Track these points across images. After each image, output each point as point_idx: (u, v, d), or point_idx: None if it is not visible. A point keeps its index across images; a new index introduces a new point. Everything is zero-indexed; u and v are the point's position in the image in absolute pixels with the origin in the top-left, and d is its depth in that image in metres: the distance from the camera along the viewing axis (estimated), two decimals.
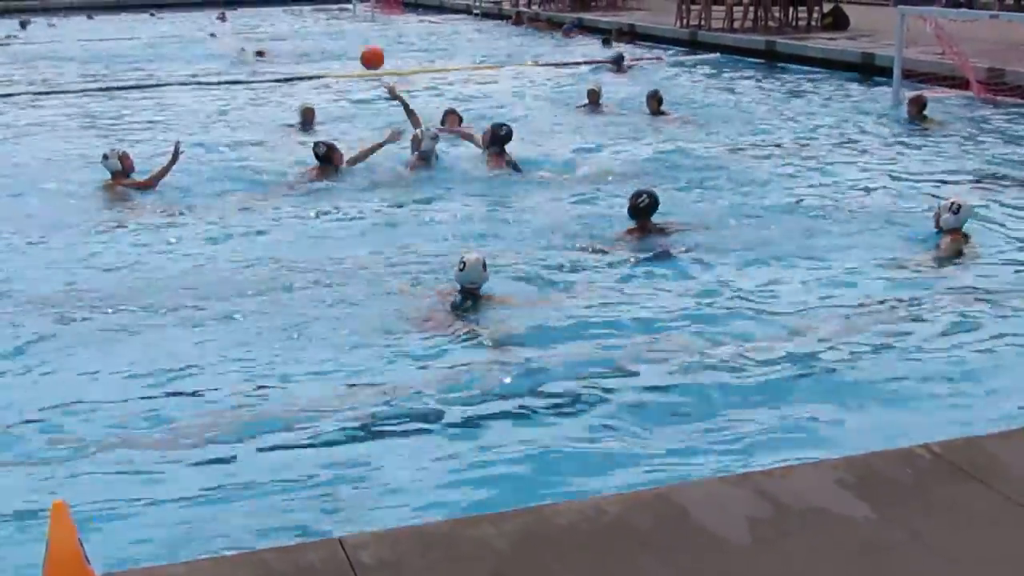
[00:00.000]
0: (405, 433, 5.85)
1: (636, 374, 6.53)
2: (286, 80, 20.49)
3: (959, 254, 8.69)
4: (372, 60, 11.15)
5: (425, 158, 11.86)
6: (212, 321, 7.56)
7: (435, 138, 12.02)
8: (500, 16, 34.08)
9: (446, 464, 5.45)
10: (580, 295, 7.99)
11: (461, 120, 14.13)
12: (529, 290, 8.12)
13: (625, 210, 9.34)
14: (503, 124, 12.23)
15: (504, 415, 6.03)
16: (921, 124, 14.29)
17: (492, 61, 23.00)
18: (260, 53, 24.33)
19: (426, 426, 5.92)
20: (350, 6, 37.98)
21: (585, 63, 22.15)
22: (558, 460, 5.44)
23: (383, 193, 11.12)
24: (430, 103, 16.22)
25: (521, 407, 6.12)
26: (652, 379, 6.45)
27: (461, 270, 7.52)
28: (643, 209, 9.26)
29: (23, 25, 33.40)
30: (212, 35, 29.61)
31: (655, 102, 15.77)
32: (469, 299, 7.56)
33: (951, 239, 8.82)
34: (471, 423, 5.93)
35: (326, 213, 10.50)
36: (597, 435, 5.73)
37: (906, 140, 13.80)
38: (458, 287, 7.61)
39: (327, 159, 11.56)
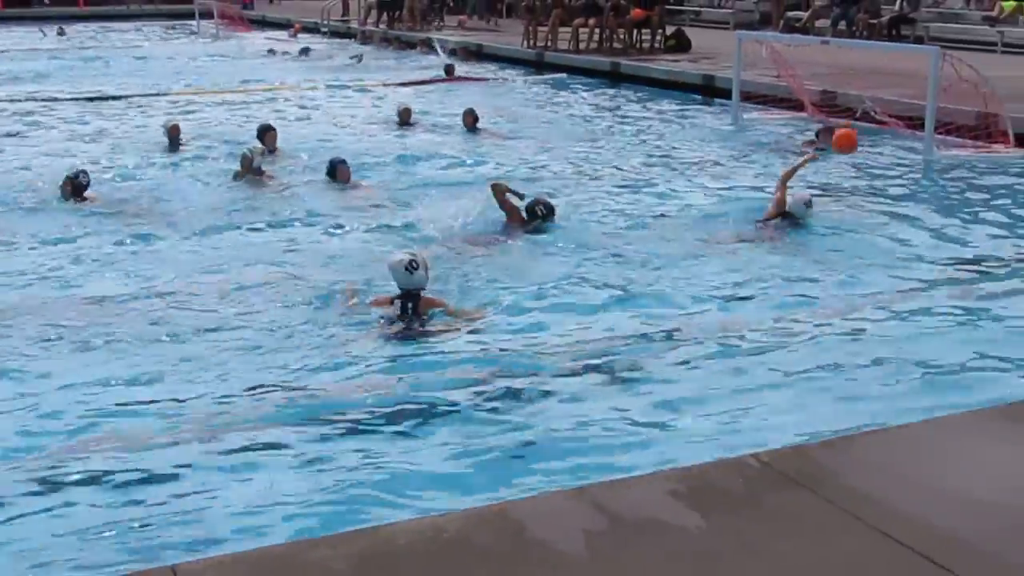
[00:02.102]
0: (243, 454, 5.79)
1: (477, 387, 6.58)
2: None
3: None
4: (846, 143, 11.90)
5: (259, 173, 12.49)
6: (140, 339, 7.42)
7: (262, 154, 12.90)
8: (348, 35, 33.97)
9: (289, 485, 5.41)
10: None
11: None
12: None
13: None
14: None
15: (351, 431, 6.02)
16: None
17: (324, 81, 22.93)
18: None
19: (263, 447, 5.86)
20: (194, 23, 37.37)
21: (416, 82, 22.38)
22: (398, 478, 5.44)
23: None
24: (248, 121, 16.67)
25: (364, 422, 6.12)
26: (491, 395, 6.50)
27: (412, 273, 7.47)
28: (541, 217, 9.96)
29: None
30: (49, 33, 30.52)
31: (470, 118, 16.09)
32: (410, 302, 7.52)
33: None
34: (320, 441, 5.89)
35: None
36: (439, 451, 5.75)
37: (742, 156, 14.28)
38: (399, 292, 7.57)
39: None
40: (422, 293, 7.64)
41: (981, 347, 7.23)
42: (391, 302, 7.62)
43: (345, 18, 36.93)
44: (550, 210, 10.20)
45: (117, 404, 6.37)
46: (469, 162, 13.98)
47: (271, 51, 29.40)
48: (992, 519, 4.02)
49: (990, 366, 6.95)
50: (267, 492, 5.32)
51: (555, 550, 3.85)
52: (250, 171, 12.38)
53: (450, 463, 5.66)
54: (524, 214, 10.11)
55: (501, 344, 7.35)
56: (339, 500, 5.22)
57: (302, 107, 19.23)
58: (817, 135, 14.53)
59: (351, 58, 27.04)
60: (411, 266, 7.51)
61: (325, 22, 35.22)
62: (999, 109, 14.29)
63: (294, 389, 6.59)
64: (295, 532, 4.82)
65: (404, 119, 16.69)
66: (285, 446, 5.82)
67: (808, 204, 10.23)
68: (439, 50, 27.56)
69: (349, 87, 21.83)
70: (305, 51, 28.47)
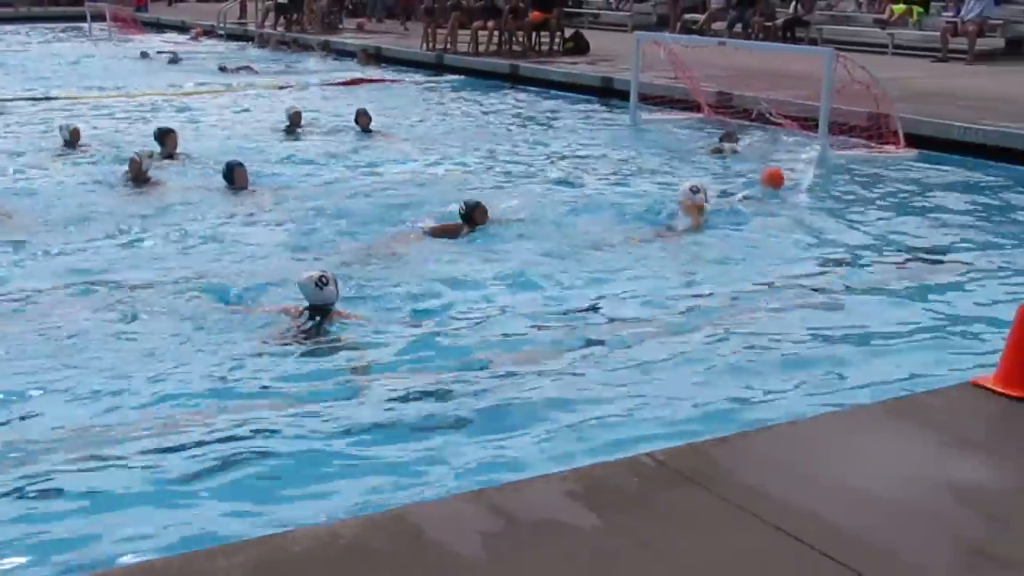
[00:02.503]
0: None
1: (380, 394, 6.55)
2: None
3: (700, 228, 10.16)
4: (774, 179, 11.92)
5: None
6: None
7: (151, 156, 12.57)
8: (246, 37, 33.57)
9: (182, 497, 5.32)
10: None
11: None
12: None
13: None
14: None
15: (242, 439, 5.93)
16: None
17: (219, 84, 22.67)
18: None
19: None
20: (85, 26, 36.60)
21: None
22: (295, 487, 5.39)
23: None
24: (133, 124, 16.71)
25: (263, 431, 6.04)
26: (392, 401, 6.47)
27: (322, 288, 7.38)
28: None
29: None
30: None
31: (364, 119, 16.05)
32: (319, 315, 7.42)
33: (693, 217, 10.20)
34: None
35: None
36: (337, 459, 5.71)
37: (640, 156, 14.41)
38: (307, 304, 7.49)
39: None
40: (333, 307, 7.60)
41: (868, 345, 7.41)
42: (300, 313, 7.55)
43: (242, 20, 36.47)
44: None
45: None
46: (364, 164, 13.90)
47: (144, 54, 28.80)
48: (882, 512, 4.10)
49: (873, 362, 7.11)
50: (160, 502, 5.23)
51: (452, 553, 3.83)
52: (139, 175, 12.11)
53: (347, 469, 5.62)
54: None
55: (404, 350, 7.30)
56: (234, 509, 5.15)
57: (192, 110, 18.93)
58: (720, 140, 14.76)
59: (170, 62, 26.77)
60: (320, 282, 7.45)
61: (222, 24, 34.76)
62: (890, 110, 14.61)
63: (192, 395, 6.48)
64: (190, 543, 4.74)
65: (294, 122, 16.47)
66: (178, 455, 5.72)
67: (695, 190, 10.41)
68: (319, 53, 27.60)
69: (246, 91, 21.55)
70: (173, 59, 27.45)
